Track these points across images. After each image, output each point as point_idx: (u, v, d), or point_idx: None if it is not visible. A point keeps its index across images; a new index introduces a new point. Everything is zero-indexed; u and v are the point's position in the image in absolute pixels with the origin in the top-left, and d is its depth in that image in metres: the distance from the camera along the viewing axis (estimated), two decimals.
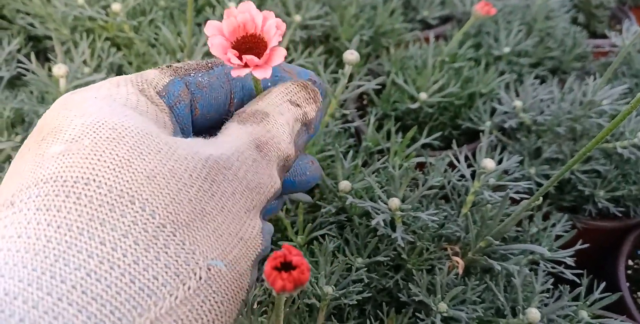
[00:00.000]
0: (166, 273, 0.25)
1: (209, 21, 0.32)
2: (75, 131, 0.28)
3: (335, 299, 0.50)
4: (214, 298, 0.27)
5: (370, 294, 0.53)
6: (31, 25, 0.83)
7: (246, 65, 0.32)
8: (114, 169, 0.26)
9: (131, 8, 0.81)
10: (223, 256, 0.28)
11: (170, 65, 0.35)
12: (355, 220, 0.58)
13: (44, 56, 0.85)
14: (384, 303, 0.55)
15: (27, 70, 0.65)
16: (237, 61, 0.32)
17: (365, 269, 0.53)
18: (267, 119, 0.33)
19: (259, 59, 0.32)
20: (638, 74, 0.86)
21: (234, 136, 0.32)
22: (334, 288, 0.50)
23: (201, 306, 0.26)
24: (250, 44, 0.33)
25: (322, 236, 0.57)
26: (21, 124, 0.67)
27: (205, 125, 0.36)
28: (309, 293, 0.50)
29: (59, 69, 0.58)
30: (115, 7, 0.75)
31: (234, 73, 0.32)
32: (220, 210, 0.28)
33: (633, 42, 0.68)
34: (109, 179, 0.26)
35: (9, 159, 0.62)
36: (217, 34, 0.32)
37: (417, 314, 0.53)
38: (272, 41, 0.32)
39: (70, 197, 0.25)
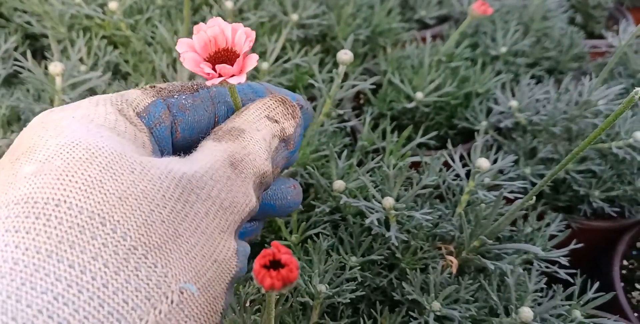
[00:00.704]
0: (137, 296, 0.25)
1: (179, 39, 0.33)
2: (49, 152, 0.27)
3: (329, 297, 0.51)
4: (185, 322, 0.26)
5: (363, 293, 0.53)
6: (28, 23, 0.83)
7: (220, 76, 0.32)
8: (85, 190, 0.26)
9: (128, 6, 0.81)
10: (196, 279, 0.27)
11: (155, 86, 0.35)
12: (349, 219, 0.58)
13: (40, 54, 0.85)
14: (377, 302, 0.55)
15: (24, 68, 0.65)
16: (209, 70, 0.32)
17: (359, 268, 0.53)
18: (243, 136, 0.33)
19: (231, 66, 0.32)
20: (634, 75, 0.86)
21: (208, 153, 0.31)
22: (328, 286, 0.50)
23: None
24: (223, 59, 0.33)
25: (316, 235, 0.57)
26: (17, 122, 0.68)
27: (187, 147, 0.36)
28: (303, 291, 0.50)
29: (55, 67, 0.58)
30: (112, 5, 0.75)
31: (209, 82, 0.32)
32: (194, 231, 0.28)
33: (629, 42, 0.68)
34: (79, 200, 0.26)
35: None
36: (188, 51, 0.32)
37: (410, 313, 0.54)
38: (243, 48, 0.32)
39: (40, 218, 0.25)
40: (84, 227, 0.25)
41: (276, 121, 0.35)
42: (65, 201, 0.25)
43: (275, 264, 0.26)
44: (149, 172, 0.28)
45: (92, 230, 0.25)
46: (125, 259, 0.25)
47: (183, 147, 0.35)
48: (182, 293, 0.26)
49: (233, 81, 0.32)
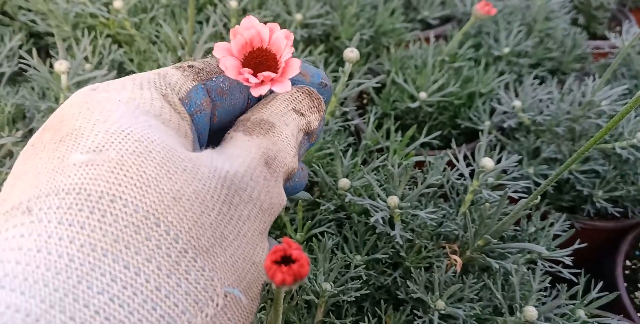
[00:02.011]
0: (186, 300, 0.25)
1: (216, 44, 0.32)
2: (99, 139, 0.27)
3: (334, 296, 0.51)
4: None
5: (368, 292, 0.53)
6: (33, 21, 0.83)
7: (262, 82, 0.32)
8: (141, 188, 0.25)
9: (132, 5, 0.81)
10: (238, 282, 0.27)
11: (192, 66, 0.33)
12: (354, 218, 0.58)
13: (45, 53, 0.85)
14: (382, 300, 0.55)
15: (29, 66, 0.65)
16: (254, 80, 0.31)
17: (364, 266, 0.54)
18: (273, 130, 0.32)
19: (275, 73, 0.32)
20: (637, 76, 0.86)
21: (242, 149, 0.31)
22: (333, 284, 0.50)
23: None
24: (259, 58, 0.33)
25: (321, 233, 0.57)
26: (22, 119, 0.68)
27: (220, 129, 0.35)
28: (308, 289, 0.50)
29: (61, 65, 0.58)
30: (117, 4, 0.75)
31: (255, 92, 0.31)
32: (237, 234, 0.28)
33: (632, 43, 0.69)
34: (135, 197, 0.25)
35: (9, 154, 0.62)
36: (227, 55, 0.32)
37: (415, 311, 0.54)
38: (284, 53, 0.32)
39: (94, 213, 0.24)
40: (139, 227, 0.25)
41: (302, 114, 0.35)
42: (120, 198, 0.25)
43: (285, 260, 0.27)
44: (198, 171, 0.27)
45: (146, 231, 0.25)
46: (177, 262, 0.25)
47: (216, 129, 0.34)
48: (225, 296, 0.26)
49: (278, 89, 0.31)
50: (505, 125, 0.79)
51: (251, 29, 0.33)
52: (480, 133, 0.74)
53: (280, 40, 0.32)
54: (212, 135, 0.35)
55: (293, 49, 0.32)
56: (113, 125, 0.27)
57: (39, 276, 0.22)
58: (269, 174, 0.31)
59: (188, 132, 0.31)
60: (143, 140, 0.27)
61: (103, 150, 0.26)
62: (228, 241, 0.27)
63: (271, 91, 0.32)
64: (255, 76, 0.31)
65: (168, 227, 0.25)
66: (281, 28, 0.34)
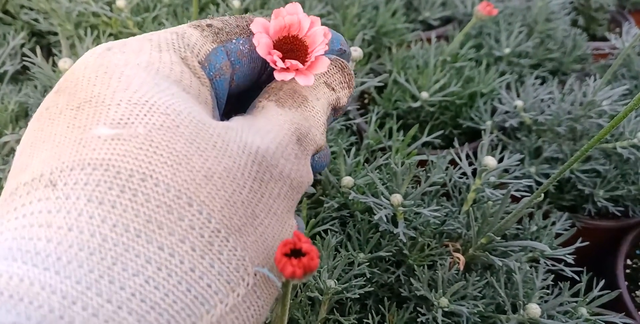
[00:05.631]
0: (218, 280, 0.24)
1: (256, 18, 0.31)
2: (122, 110, 0.25)
3: (338, 293, 0.51)
4: (257, 303, 0.26)
5: (372, 289, 0.54)
6: (35, 20, 0.84)
7: (288, 69, 0.32)
8: (172, 166, 0.25)
9: (135, 4, 0.81)
10: (266, 261, 0.27)
11: (211, 25, 0.31)
12: (357, 216, 0.58)
13: (46, 51, 0.85)
14: (385, 298, 0.55)
15: (34, 64, 0.65)
16: (282, 64, 0.31)
17: (367, 264, 0.54)
18: (306, 105, 0.32)
19: (303, 64, 0.32)
20: (637, 76, 0.87)
21: (274, 123, 0.30)
22: (337, 282, 0.50)
23: (246, 312, 0.26)
24: (291, 45, 0.33)
25: (325, 231, 0.57)
26: (25, 117, 0.68)
27: (237, 94, 0.34)
28: (312, 286, 0.50)
29: (65, 63, 0.58)
30: (120, 3, 0.75)
31: (278, 76, 0.31)
32: (267, 213, 0.27)
33: (633, 44, 0.69)
34: (166, 176, 0.24)
35: (12, 152, 0.62)
36: (262, 32, 0.32)
37: (418, 309, 0.54)
38: (317, 50, 0.32)
39: (125, 192, 0.24)
40: (171, 207, 0.24)
41: (333, 89, 0.34)
42: (151, 176, 0.24)
43: (295, 253, 0.27)
44: (228, 147, 0.26)
45: (179, 210, 0.24)
46: (210, 242, 0.24)
47: (233, 94, 0.33)
48: (255, 275, 0.26)
49: (301, 81, 0.31)
50: (506, 125, 0.79)
51: (293, 15, 0.33)
52: (482, 132, 0.75)
53: (318, 35, 0.32)
54: (228, 100, 0.34)
55: (327, 47, 0.32)
56: (135, 94, 0.26)
57: (72, 256, 0.22)
58: (299, 152, 0.30)
59: (208, 98, 0.29)
60: (170, 113, 0.26)
61: (129, 123, 0.25)
62: (259, 220, 0.27)
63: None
64: (283, 61, 0.31)
65: (200, 206, 0.25)
66: None
